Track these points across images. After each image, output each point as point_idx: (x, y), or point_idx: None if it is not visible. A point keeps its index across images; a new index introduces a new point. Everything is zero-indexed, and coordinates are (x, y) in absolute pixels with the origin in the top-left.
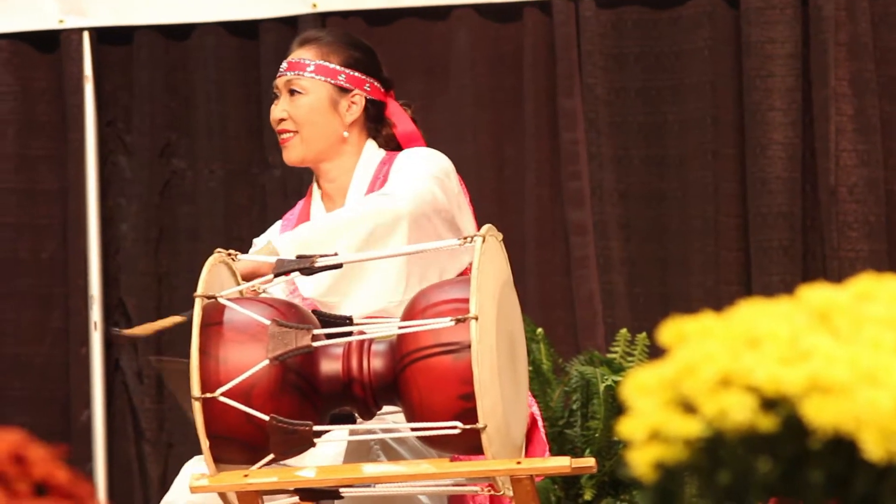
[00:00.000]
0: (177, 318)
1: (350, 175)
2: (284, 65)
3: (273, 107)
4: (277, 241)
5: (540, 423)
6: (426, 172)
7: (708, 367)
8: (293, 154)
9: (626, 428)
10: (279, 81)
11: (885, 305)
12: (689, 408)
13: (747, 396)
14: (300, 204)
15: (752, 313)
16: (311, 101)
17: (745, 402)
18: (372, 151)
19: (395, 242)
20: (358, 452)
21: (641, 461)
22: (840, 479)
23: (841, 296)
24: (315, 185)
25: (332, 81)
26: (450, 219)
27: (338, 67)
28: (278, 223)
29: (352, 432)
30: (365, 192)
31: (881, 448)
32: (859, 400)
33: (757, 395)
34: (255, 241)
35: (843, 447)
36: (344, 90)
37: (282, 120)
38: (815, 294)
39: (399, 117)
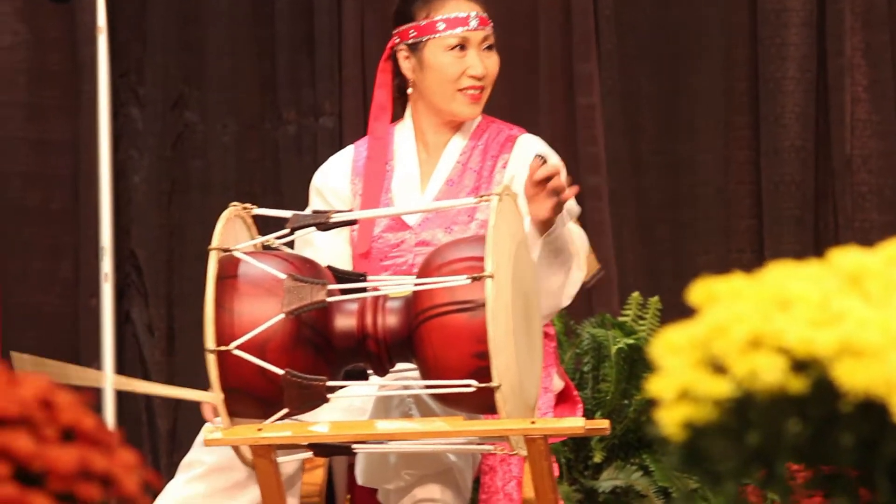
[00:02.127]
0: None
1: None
2: (475, 20)
3: (454, 59)
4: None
5: (577, 397)
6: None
7: (739, 328)
8: (478, 110)
9: (656, 387)
10: (475, 35)
11: None
12: (719, 368)
13: (778, 358)
14: (364, 141)
15: (783, 275)
16: (498, 60)
17: (776, 363)
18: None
19: None
20: (387, 406)
21: (670, 420)
22: (869, 442)
23: (872, 260)
24: (411, 128)
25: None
26: None
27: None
28: (350, 148)
29: (371, 388)
30: (458, 157)
31: None
32: (890, 363)
33: (788, 356)
34: (319, 172)
35: (873, 411)
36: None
37: (484, 76)
38: (846, 258)
39: None
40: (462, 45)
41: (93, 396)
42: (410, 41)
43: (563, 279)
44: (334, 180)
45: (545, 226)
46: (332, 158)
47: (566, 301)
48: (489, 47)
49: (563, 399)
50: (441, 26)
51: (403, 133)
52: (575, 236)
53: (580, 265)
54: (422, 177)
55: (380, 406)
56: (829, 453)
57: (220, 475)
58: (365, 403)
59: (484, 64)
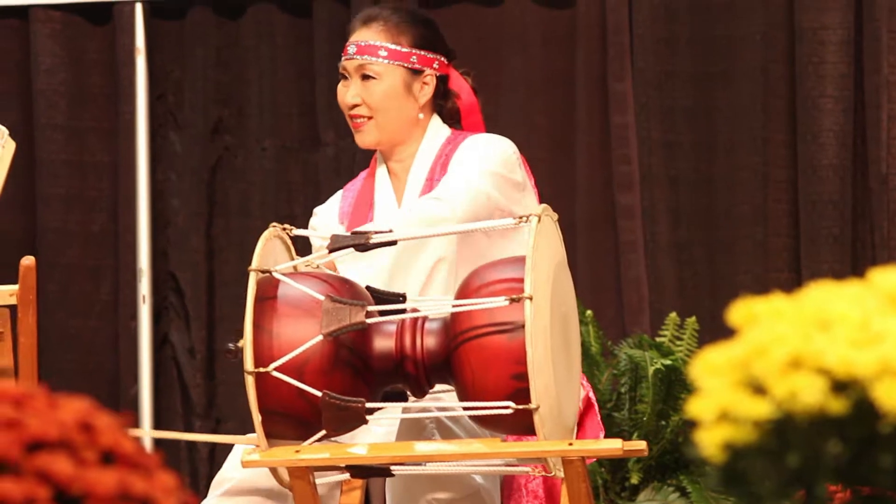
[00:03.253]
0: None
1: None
2: (353, 47)
3: (341, 87)
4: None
5: (595, 405)
6: (483, 169)
7: (778, 349)
8: (368, 138)
9: (696, 408)
10: (349, 64)
11: None
12: (758, 389)
13: (818, 378)
14: (362, 176)
15: (823, 296)
16: (385, 88)
17: (816, 384)
18: (436, 129)
19: (446, 247)
20: (411, 431)
21: (710, 442)
22: None
23: None
24: (381, 160)
25: (405, 65)
26: (507, 214)
27: (409, 49)
28: (339, 193)
29: (404, 410)
30: (426, 173)
31: None
32: None
33: (827, 377)
34: (316, 210)
35: None
36: (416, 72)
37: (355, 105)
38: (886, 277)
39: (461, 87)
40: (345, 76)
41: (133, 419)
42: None
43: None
44: (325, 223)
45: None
46: (327, 202)
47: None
48: (365, 77)
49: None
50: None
51: (380, 167)
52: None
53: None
54: (399, 204)
55: (402, 432)
56: (869, 474)
57: (251, 491)
58: (395, 427)
59: (358, 93)
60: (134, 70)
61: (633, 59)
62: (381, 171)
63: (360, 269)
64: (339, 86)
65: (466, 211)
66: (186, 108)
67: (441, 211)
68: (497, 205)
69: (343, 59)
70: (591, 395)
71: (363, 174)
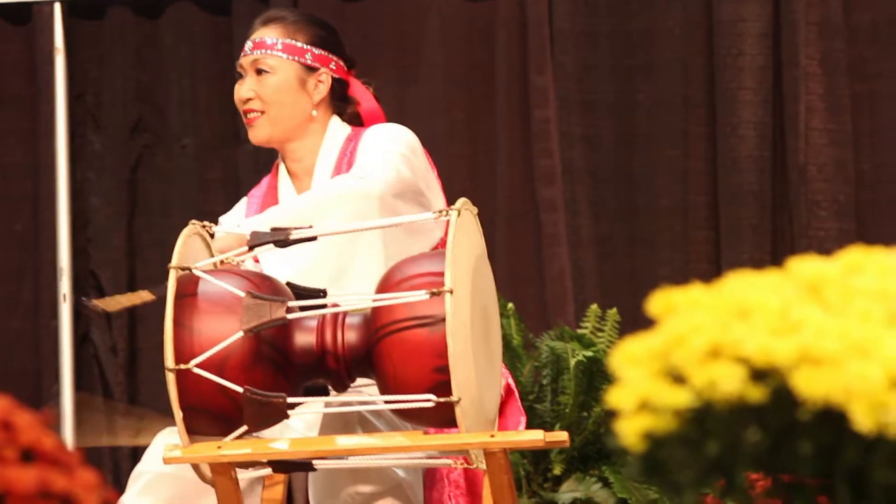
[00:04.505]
0: (146, 296)
1: (316, 154)
2: (249, 44)
3: (238, 86)
4: (245, 225)
5: (516, 393)
6: (392, 150)
7: (697, 338)
8: (260, 133)
9: (616, 398)
10: (244, 61)
11: (874, 278)
12: (678, 378)
13: (737, 367)
14: (265, 181)
15: (742, 285)
16: (278, 81)
17: (735, 372)
18: (337, 128)
19: (369, 235)
20: (334, 425)
21: (630, 431)
22: (829, 451)
23: (831, 268)
24: (282, 164)
25: (300, 60)
26: (418, 196)
27: (304, 46)
28: (244, 200)
29: (326, 404)
30: (331, 171)
31: (870, 420)
32: (849, 372)
33: (746, 366)
34: (221, 218)
35: (832, 419)
36: (311, 69)
37: (249, 99)
38: (805, 266)
39: (362, 95)
40: (240, 74)
41: (53, 416)
42: None
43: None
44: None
45: None
46: (231, 211)
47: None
48: (259, 71)
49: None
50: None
51: (282, 169)
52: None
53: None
54: None
55: (326, 427)
56: (789, 462)
57: (170, 481)
58: (317, 421)
59: (253, 87)
60: (53, 70)
61: (553, 52)
62: (282, 174)
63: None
64: (236, 85)
65: (383, 187)
66: (106, 108)
67: (360, 186)
68: (410, 183)
69: (239, 58)
70: (511, 381)
71: (266, 179)
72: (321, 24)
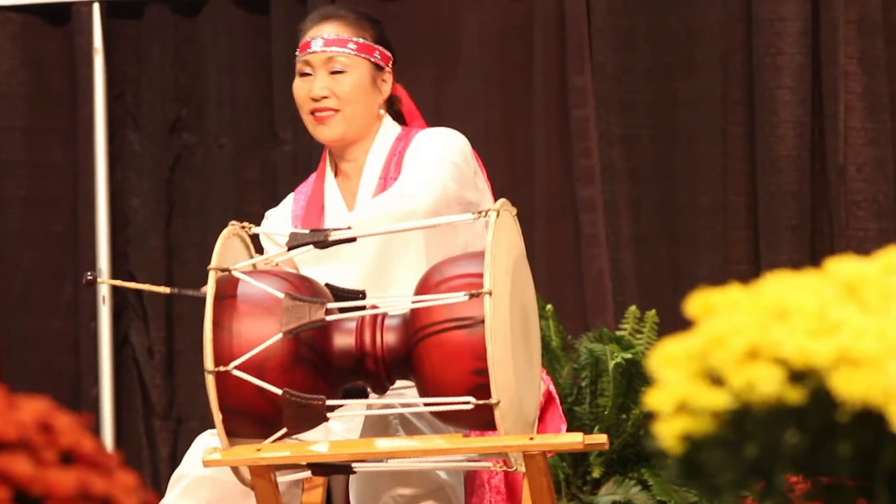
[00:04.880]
0: (163, 289)
1: (368, 153)
2: (319, 41)
3: (301, 83)
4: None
5: (556, 398)
6: (444, 159)
7: (736, 340)
8: (333, 132)
9: (654, 399)
10: (314, 58)
11: None
12: (716, 380)
13: (775, 369)
14: (312, 178)
15: (780, 286)
16: (355, 80)
17: (773, 374)
18: (388, 127)
19: (412, 244)
20: (375, 427)
21: (668, 433)
22: (868, 452)
23: (869, 268)
24: (328, 163)
25: (371, 58)
26: (464, 205)
27: (373, 44)
28: (291, 196)
29: (366, 407)
30: (380, 170)
31: None
32: (888, 372)
33: (785, 367)
34: (269, 213)
35: (871, 420)
36: (378, 67)
37: (323, 97)
38: (843, 267)
39: (401, 92)
40: (306, 72)
41: (92, 419)
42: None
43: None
44: (276, 227)
45: None
46: (279, 206)
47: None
48: (336, 70)
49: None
50: (297, 54)
51: (328, 168)
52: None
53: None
54: (347, 203)
55: (366, 429)
56: (828, 464)
57: (210, 484)
58: (357, 424)
59: (327, 86)
60: (92, 70)
61: (592, 51)
62: (328, 174)
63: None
64: (298, 82)
65: (430, 205)
66: (145, 107)
67: (405, 206)
68: (455, 195)
69: (304, 53)
70: (552, 388)
71: (313, 176)
72: (378, 22)
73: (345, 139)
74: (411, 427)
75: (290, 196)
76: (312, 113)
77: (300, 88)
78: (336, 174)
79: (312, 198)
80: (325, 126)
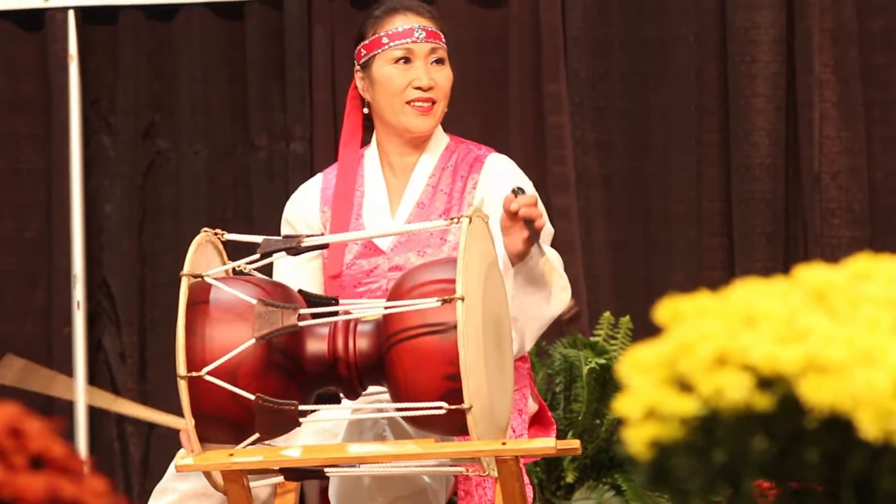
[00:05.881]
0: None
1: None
2: (420, 31)
3: (399, 70)
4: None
5: (543, 403)
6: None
7: (704, 346)
8: (430, 123)
9: (622, 406)
10: (419, 47)
11: (881, 285)
12: (685, 386)
13: (743, 375)
14: (333, 168)
15: (749, 292)
16: (449, 74)
17: (742, 380)
18: (440, 133)
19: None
20: (361, 426)
21: (637, 439)
22: (835, 458)
23: (838, 276)
24: (377, 152)
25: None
26: None
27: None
28: (319, 176)
29: (355, 411)
30: (429, 179)
31: (877, 428)
32: (856, 379)
33: (753, 373)
34: (299, 191)
35: (838, 427)
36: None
37: (430, 88)
38: (812, 274)
39: None
40: (407, 58)
41: (65, 424)
42: (362, 61)
43: (547, 293)
44: (304, 210)
45: (519, 257)
46: (301, 188)
47: (555, 310)
48: (438, 61)
49: (537, 421)
50: (385, 40)
51: (370, 158)
52: (552, 257)
53: (564, 286)
54: (391, 201)
55: (352, 430)
56: (796, 469)
57: (193, 502)
58: (336, 427)
59: (431, 76)
60: (67, 76)
61: (567, 59)
62: (374, 163)
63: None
64: (392, 69)
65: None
66: (119, 113)
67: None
68: None
69: (406, 41)
70: (550, 414)
71: (333, 168)
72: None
73: (430, 133)
74: (398, 427)
75: (319, 176)
76: (411, 102)
77: (399, 76)
78: (384, 164)
79: (344, 185)
80: (427, 117)
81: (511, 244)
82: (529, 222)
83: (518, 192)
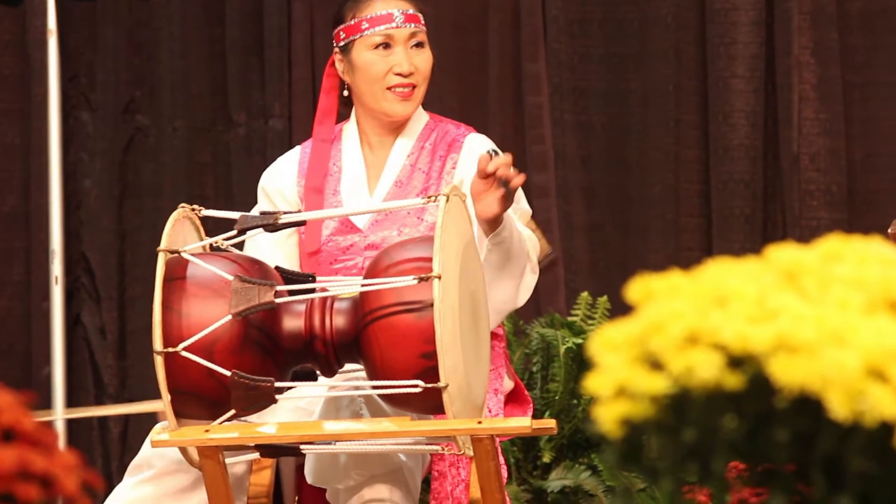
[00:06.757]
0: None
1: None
2: (400, 16)
3: (378, 56)
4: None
5: (520, 382)
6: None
7: (675, 325)
8: (410, 108)
9: (593, 384)
10: (399, 32)
11: (852, 266)
12: (655, 365)
13: (714, 354)
14: (307, 144)
15: (720, 272)
16: (430, 57)
17: (712, 359)
18: (420, 111)
19: None
20: (337, 403)
21: (607, 417)
22: (805, 438)
23: (808, 256)
24: (356, 128)
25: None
26: None
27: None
28: (297, 149)
29: (330, 389)
30: (405, 158)
31: (846, 408)
32: (825, 359)
33: (724, 353)
34: (279, 163)
35: (808, 406)
36: None
37: (411, 73)
38: (783, 254)
39: None
40: (387, 44)
41: (44, 399)
42: (341, 44)
43: (516, 282)
44: (281, 181)
45: (493, 225)
46: (279, 160)
47: (520, 303)
48: (418, 44)
49: (513, 399)
50: (365, 25)
51: (349, 134)
52: (525, 238)
53: (533, 268)
54: (369, 179)
55: (329, 407)
56: (766, 449)
57: (170, 478)
58: (311, 405)
59: (411, 61)
60: (46, 51)
61: (546, 39)
62: (353, 140)
63: None
64: (372, 55)
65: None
66: (98, 89)
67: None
68: None
69: (386, 26)
70: (526, 393)
71: (307, 143)
72: None
73: (411, 116)
74: (374, 405)
75: (297, 149)
76: (392, 88)
77: (379, 62)
78: (363, 141)
79: (318, 157)
80: (408, 101)
81: (485, 208)
82: (505, 183)
83: (493, 153)
